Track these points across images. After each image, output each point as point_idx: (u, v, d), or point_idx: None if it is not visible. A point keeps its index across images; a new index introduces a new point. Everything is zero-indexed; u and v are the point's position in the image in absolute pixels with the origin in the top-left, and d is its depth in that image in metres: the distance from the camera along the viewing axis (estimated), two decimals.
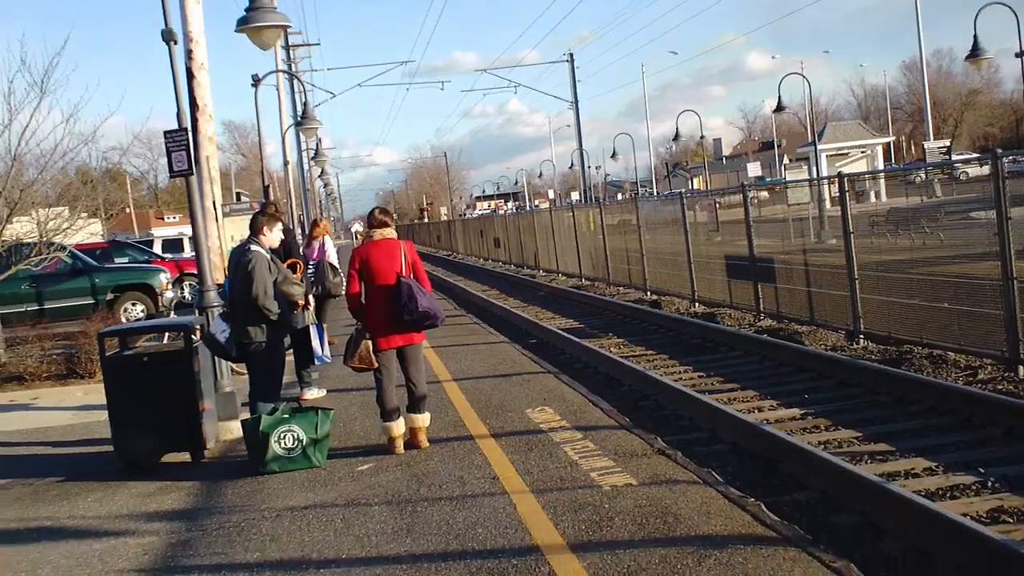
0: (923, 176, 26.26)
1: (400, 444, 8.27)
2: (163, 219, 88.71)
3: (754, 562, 5.09)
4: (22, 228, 17.27)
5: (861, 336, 12.84)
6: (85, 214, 21.43)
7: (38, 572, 6.19)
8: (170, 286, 22.68)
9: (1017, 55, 30.33)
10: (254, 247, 8.57)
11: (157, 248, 33.29)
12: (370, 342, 8.13)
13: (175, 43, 10.21)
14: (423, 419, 8.39)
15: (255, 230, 8.78)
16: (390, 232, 8.41)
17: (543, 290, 27.02)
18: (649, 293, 21.65)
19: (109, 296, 21.32)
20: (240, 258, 8.56)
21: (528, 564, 5.35)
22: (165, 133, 10.30)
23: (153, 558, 6.22)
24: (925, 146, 47.58)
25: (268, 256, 8.61)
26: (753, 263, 16.24)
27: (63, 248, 18.34)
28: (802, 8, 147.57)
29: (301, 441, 8.00)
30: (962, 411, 8.81)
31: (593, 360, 13.78)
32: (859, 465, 7.54)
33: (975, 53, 32.15)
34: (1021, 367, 9.87)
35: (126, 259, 27.53)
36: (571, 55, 54.74)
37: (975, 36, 31.07)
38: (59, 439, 10.44)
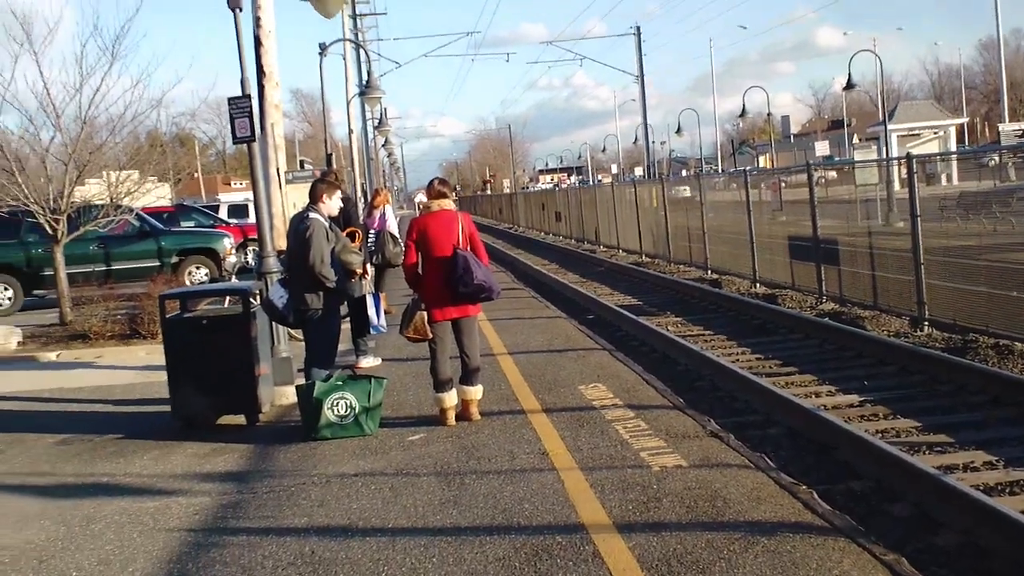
0: (996, 159, 25.54)
1: (451, 416, 8.29)
2: (230, 184, 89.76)
3: (802, 551, 5.01)
4: (93, 190, 17.61)
5: (925, 323, 12.58)
6: (154, 177, 21.79)
7: (91, 527, 6.31)
8: (234, 251, 22.96)
9: None
10: (312, 214, 8.59)
11: (223, 213, 33.76)
12: (425, 313, 8.14)
13: (240, 10, 10.26)
14: (475, 391, 8.39)
15: (314, 197, 8.80)
16: (448, 203, 8.38)
17: (603, 265, 26.88)
18: (710, 272, 21.42)
19: (174, 259, 21.65)
20: (298, 225, 8.60)
21: (573, 542, 5.33)
22: (229, 100, 10.39)
23: (204, 518, 6.32)
24: (1000, 128, 46.38)
25: (326, 224, 8.63)
26: (817, 244, 15.98)
27: (131, 211, 18.65)
28: None
29: (353, 409, 8.06)
30: None
31: (649, 338, 13.68)
32: (916, 456, 7.39)
33: None
34: None
35: (192, 223, 27.97)
36: (638, 28, 54.18)
37: None
38: (120, 397, 10.66)
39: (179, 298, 9.57)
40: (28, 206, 15.72)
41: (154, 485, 7.17)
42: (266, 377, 9.22)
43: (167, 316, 9.05)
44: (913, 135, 52.86)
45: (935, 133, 53.81)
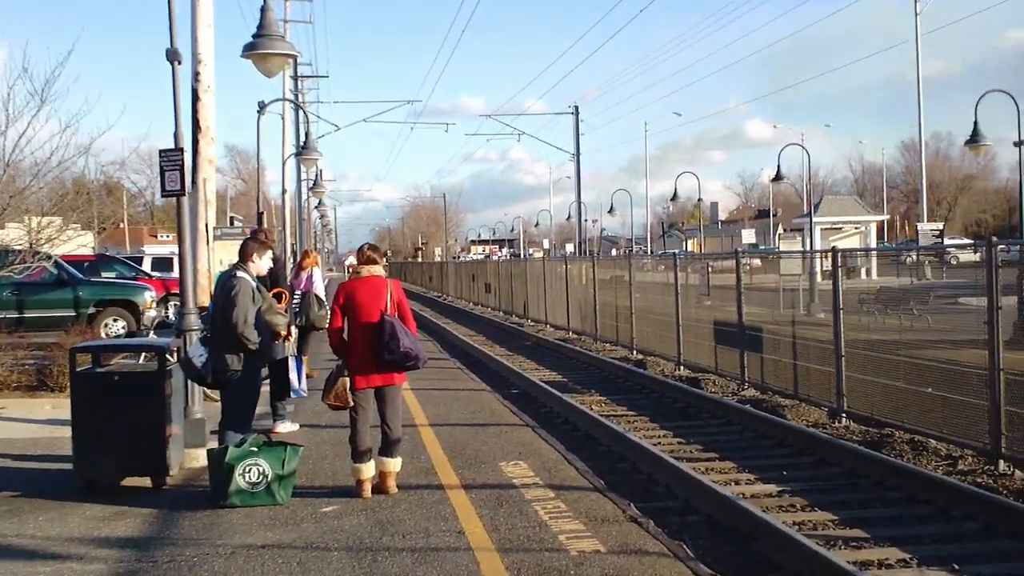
0: (914, 257, 26.27)
1: (368, 488, 8.09)
2: (156, 236, 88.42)
3: None
4: (12, 234, 17.11)
5: (843, 415, 12.71)
6: (77, 225, 21.26)
7: None
8: (154, 305, 22.44)
9: (1015, 144, 30.41)
10: (240, 273, 8.44)
11: (146, 265, 33.05)
12: (348, 380, 7.98)
13: (179, 63, 10.16)
14: (394, 464, 8.21)
15: (244, 256, 8.66)
16: (378, 269, 8.30)
17: (530, 340, 26.87)
18: (635, 352, 21.50)
19: (91, 310, 21.05)
20: (225, 283, 8.45)
21: None
22: (161, 152, 10.23)
23: None
24: (919, 227, 47.79)
25: (254, 284, 8.48)
26: (741, 331, 16.14)
27: (49, 257, 18.15)
28: (806, 80, 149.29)
29: (266, 476, 7.82)
30: (940, 502, 8.66)
31: (573, 416, 13.61)
32: (833, 550, 7.38)
33: (975, 139, 32.28)
34: (1002, 461, 9.73)
35: (113, 274, 27.33)
36: (576, 108, 54.99)
37: (975, 122, 31.24)
38: (20, 452, 10.21)
39: (92, 351, 9.26)
40: None
41: (48, 548, 6.83)
42: (177, 438, 8.92)
43: (77, 369, 8.73)
44: (836, 228, 54.18)
45: (856, 228, 55.22)
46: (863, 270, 38.26)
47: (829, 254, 13.94)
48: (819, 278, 20.12)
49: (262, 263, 8.78)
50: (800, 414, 13.40)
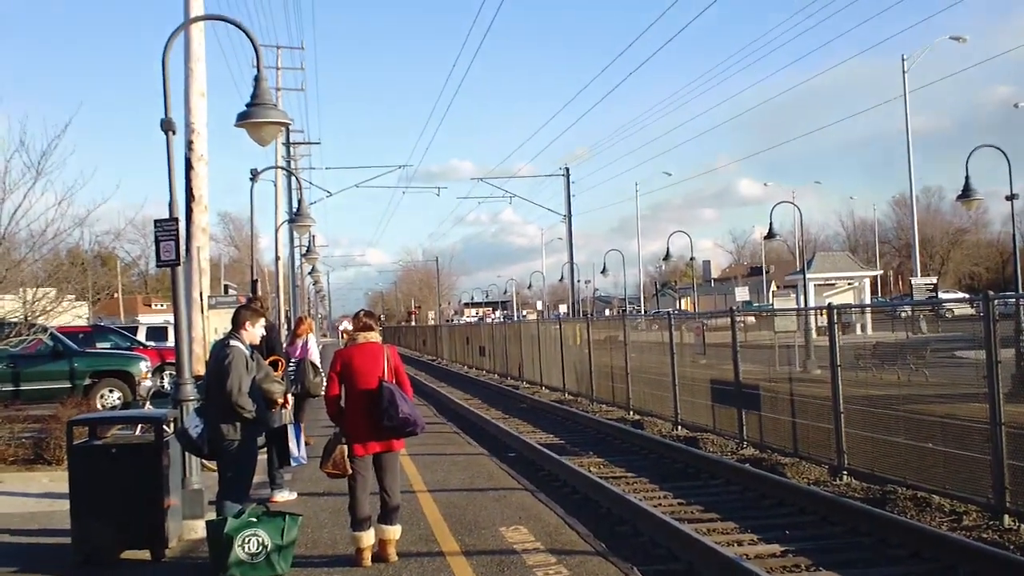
0: (908, 312, 26.36)
1: (368, 556, 8.01)
2: (151, 305, 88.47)
3: None
4: (7, 307, 17.09)
5: (844, 472, 12.65)
6: (72, 296, 21.25)
7: None
8: (150, 375, 22.35)
9: (1007, 197, 30.67)
10: (233, 342, 8.41)
11: (141, 335, 32.99)
12: (346, 447, 7.94)
13: (173, 133, 10.24)
14: (394, 531, 8.14)
15: (237, 324, 8.63)
16: (374, 336, 8.30)
17: (526, 402, 26.78)
18: (632, 412, 21.44)
19: (87, 381, 20.98)
20: (219, 352, 8.41)
21: None
22: (156, 222, 10.25)
23: None
24: (912, 282, 47.94)
25: (247, 352, 8.45)
26: (739, 389, 16.12)
27: (45, 330, 18.11)
28: (795, 139, 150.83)
29: (266, 547, 7.73)
30: (946, 559, 8.60)
31: (572, 479, 13.53)
32: None
33: (966, 194, 32.46)
34: (1007, 516, 9.68)
35: (108, 344, 27.28)
36: (567, 169, 55.45)
37: (967, 177, 31.43)
38: (17, 527, 10.09)
39: (88, 424, 9.21)
40: None
41: None
42: (175, 509, 8.84)
43: (74, 442, 8.68)
44: (829, 284, 54.41)
45: (850, 284, 55.47)
46: (858, 325, 38.31)
47: (824, 310, 14.01)
48: (814, 334, 20.16)
49: (256, 331, 8.76)
50: (800, 472, 13.33)
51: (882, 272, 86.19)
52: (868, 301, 53.04)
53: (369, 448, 7.98)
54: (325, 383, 8.59)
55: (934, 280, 51.52)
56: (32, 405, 17.96)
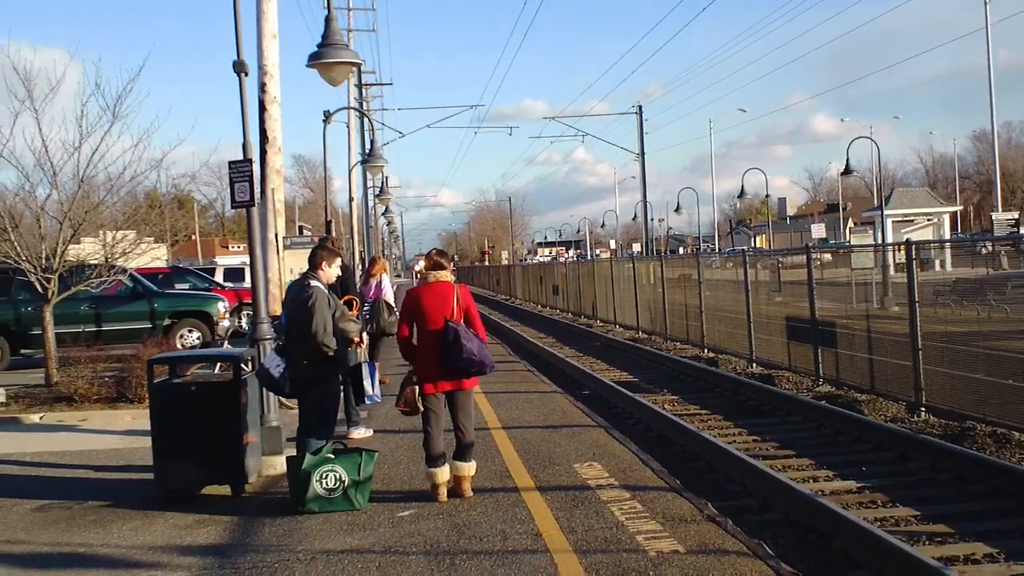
0: (989, 247, 25.66)
1: (443, 492, 8.09)
2: (227, 247, 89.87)
3: None
4: (87, 249, 17.49)
5: (922, 408, 12.43)
6: (151, 238, 21.67)
7: None
8: (228, 315, 22.78)
9: None
10: (313, 282, 8.44)
11: (219, 276, 33.64)
12: (416, 387, 8.00)
13: (246, 75, 10.25)
14: (469, 467, 8.20)
15: (314, 264, 8.67)
16: (445, 275, 8.28)
17: (599, 340, 26.75)
18: (706, 350, 21.30)
19: (166, 321, 21.47)
20: (299, 293, 8.44)
21: None
22: (230, 163, 10.32)
23: None
24: (993, 217, 46.64)
25: (327, 292, 8.50)
26: (814, 326, 15.89)
27: (124, 271, 18.52)
28: (872, 73, 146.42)
29: (343, 482, 7.86)
30: None
31: (646, 416, 13.51)
32: (916, 546, 7.20)
33: None
34: None
35: (187, 285, 27.84)
36: (639, 107, 54.84)
37: None
38: (102, 463, 10.42)
39: (168, 363, 9.40)
40: (19, 264, 15.56)
41: (132, 557, 6.94)
42: (254, 446, 9.02)
43: (155, 381, 8.88)
44: (907, 221, 53.22)
45: (929, 220, 54.20)
46: (937, 262, 37.46)
47: (902, 246, 13.66)
48: (892, 271, 19.74)
49: (332, 271, 8.80)
50: (877, 409, 13.13)
51: (962, 208, 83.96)
52: (947, 237, 51.72)
53: (439, 387, 8.01)
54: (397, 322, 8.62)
55: (1015, 215, 50.06)
56: (113, 345, 18.44)
